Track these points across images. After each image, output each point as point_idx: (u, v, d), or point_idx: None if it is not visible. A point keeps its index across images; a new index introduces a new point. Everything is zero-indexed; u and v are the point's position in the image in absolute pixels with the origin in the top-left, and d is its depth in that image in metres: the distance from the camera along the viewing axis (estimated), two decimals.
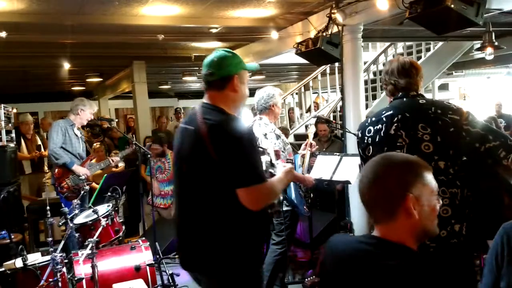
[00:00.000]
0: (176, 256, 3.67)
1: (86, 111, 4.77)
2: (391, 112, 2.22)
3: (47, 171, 6.82)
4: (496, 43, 6.28)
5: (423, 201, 1.33)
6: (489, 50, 6.33)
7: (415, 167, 1.35)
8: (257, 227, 2.02)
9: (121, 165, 5.97)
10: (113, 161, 4.95)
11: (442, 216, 2.05)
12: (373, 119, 2.30)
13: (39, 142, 6.93)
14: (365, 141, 2.29)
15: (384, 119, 2.23)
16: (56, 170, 4.58)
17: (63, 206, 3.87)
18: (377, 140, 2.24)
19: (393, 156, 1.44)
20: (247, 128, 2.02)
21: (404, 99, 2.25)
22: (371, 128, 2.28)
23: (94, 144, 6.06)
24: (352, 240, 1.50)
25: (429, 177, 1.36)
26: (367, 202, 1.38)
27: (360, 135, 2.35)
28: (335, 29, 4.81)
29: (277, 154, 3.09)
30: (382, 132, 2.22)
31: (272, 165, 2.72)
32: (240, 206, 1.90)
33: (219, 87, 2.04)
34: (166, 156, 5.87)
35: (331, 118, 7.39)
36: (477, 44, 7.25)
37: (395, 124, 2.18)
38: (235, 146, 1.90)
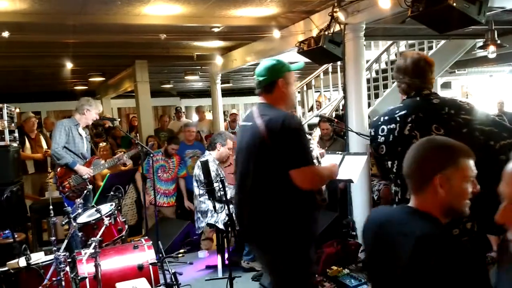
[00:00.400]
0: (179, 255, 3.68)
1: (92, 111, 4.79)
2: (405, 111, 2.25)
3: (50, 171, 6.84)
4: (499, 41, 6.27)
5: (452, 182, 1.51)
6: (492, 48, 6.32)
7: (451, 152, 1.53)
8: (306, 209, 2.34)
9: (129, 163, 5.97)
10: (119, 159, 4.94)
11: None
12: (386, 118, 2.31)
13: (43, 142, 6.93)
14: (378, 140, 2.32)
15: (397, 118, 2.25)
16: (59, 169, 4.59)
17: (65, 205, 3.89)
18: (390, 139, 2.26)
19: (436, 139, 1.65)
20: (297, 121, 2.38)
21: (418, 98, 2.28)
22: (384, 127, 2.30)
23: (100, 144, 6.08)
24: (390, 209, 1.83)
25: (465, 163, 1.53)
26: (405, 174, 1.61)
27: (373, 133, 2.38)
28: (337, 27, 4.81)
29: (321, 155, 3.22)
30: (396, 131, 2.24)
31: (318, 162, 2.99)
32: (292, 186, 2.24)
33: (268, 91, 2.46)
34: (171, 157, 5.89)
35: (333, 117, 7.38)
36: (480, 42, 7.23)
37: (409, 124, 2.21)
38: (287, 135, 2.26)
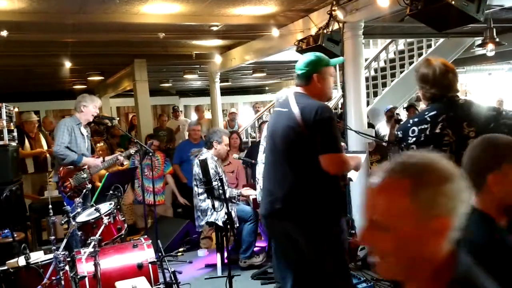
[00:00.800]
0: (179, 253, 3.68)
1: (89, 107, 4.73)
2: (435, 112, 2.35)
3: (50, 170, 6.83)
4: (497, 39, 6.26)
5: (507, 182, 1.49)
6: (490, 46, 6.32)
7: (505, 149, 1.52)
8: (331, 189, 2.55)
9: (126, 163, 5.98)
10: (118, 159, 4.93)
11: None
12: (416, 119, 2.43)
13: (43, 140, 6.92)
14: (408, 141, 2.41)
15: (428, 119, 2.35)
16: (61, 169, 4.56)
17: (65, 205, 3.88)
18: (422, 139, 2.36)
19: (489, 138, 1.62)
20: (329, 111, 2.56)
21: (444, 99, 2.38)
22: (415, 128, 2.40)
23: (98, 144, 6.09)
24: None
25: None
26: (463, 168, 1.57)
27: (400, 135, 2.49)
28: (336, 26, 4.81)
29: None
30: (427, 131, 2.34)
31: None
32: (320, 169, 2.46)
33: (305, 83, 2.66)
34: (154, 154, 5.89)
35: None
36: (478, 40, 7.23)
37: (441, 123, 2.31)
38: (320, 123, 2.47)
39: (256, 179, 3.78)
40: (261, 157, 3.68)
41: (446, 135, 2.29)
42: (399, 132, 2.50)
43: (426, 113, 2.38)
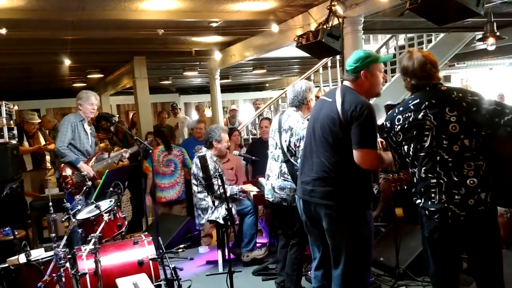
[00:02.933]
0: (179, 250, 3.68)
1: (84, 104, 4.70)
2: (418, 100, 2.46)
3: (50, 167, 6.82)
4: (498, 34, 6.24)
5: None
6: (491, 40, 6.29)
7: None
8: (359, 183, 2.68)
9: (125, 160, 5.97)
10: (122, 155, 4.92)
11: (470, 186, 2.33)
12: (401, 108, 2.52)
13: (42, 139, 6.91)
14: (395, 129, 2.52)
15: (412, 107, 2.46)
16: (62, 166, 4.58)
17: (65, 202, 3.88)
18: (406, 126, 2.47)
19: None
20: (370, 108, 2.61)
21: (427, 88, 2.48)
22: (400, 116, 2.50)
23: (100, 144, 6.08)
24: None
25: None
26: None
27: (389, 125, 2.57)
28: (335, 21, 4.79)
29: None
30: (411, 118, 2.45)
31: None
32: (352, 162, 2.59)
33: (353, 78, 2.75)
34: (180, 148, 5.91)
35: None
36: (479, 35, 7.20)
37: (423, 110, 2.42)
38: (358, 118, 2.57)
39: (266, 174, 3.75)
40: (274, 153, 3.66)
41: (428, 120, 2.39)
42: (387, 122, 2.58)
43: (410, 101, 2.49)
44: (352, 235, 2.70)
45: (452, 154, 2.35)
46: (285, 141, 3.50)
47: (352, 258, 2.72)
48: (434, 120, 2.38)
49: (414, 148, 2.44)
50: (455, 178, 2.34)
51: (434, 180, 2.38)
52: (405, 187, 3.06)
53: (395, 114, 2.53)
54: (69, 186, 4.51)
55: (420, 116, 2.41)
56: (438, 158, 2.36)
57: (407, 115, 2.46)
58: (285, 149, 3.49)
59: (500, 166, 2.37)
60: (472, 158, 2.34)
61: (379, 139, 3.44)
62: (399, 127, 2.49)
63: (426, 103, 2.41)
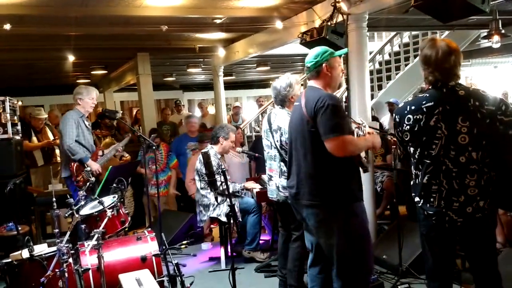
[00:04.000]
0: (182, 246, 3.68)
1: (85, 99, 4.70)
2: (432, 103, 2.36)
3: (59, 161, 6.82)
4: (503, 31, 6.21)
5: None
6: (496, 38, 6.26)
7: None
8: (342, 176, 2.69)
9: (127, 155, 5.99)
10: (117, 150, 4.93)
11: (470, 195, 2.32)
12: (413, 107, 2.42)
13: (50, 133, 6.90)
14: (403, 128, 2.45)
15: (424, 109, 2.37)
16: (72, 164, 4.56)
17: (73, 198, 3.88)
18: (416, 129, 2.39)
19: None
20: (332, 98, 2.68)
21: (444, 89, 2.37)
22: (411, 116, 2.41)
23: (106, 140, 6.10)
24: None
25: None
26: None
27: (397, 119, 2.51)
28: (340, 18, 4.77)
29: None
30: (422, 122, 2.37)
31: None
32: (330, 157, 2.59)
33: (316, 75, 2.83)
34: (158, 147, 5.91)
35: None
36: (484, 32, 7.16)
37: (436, 116, 2.34)
38: (320, 110, 2.61)
39: (267, 175, 3.74)
40: (270, 153, 3.64)
41: (439, 129, 2.33)
42: (396, 116, 2.52)
43: (424, 102, 2.38)
44: (341, 232, 2.69)
45: (457, 165, 2.32)
46: (277, 141, 3.49)
47: (345, 256, 2.72)
48: (445, 129, 2.32)
49: (420, 153, 2.41)
50: (456, 186, 2.33)
51: (436, 187, 2.37)
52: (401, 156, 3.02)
53: (406, 112, 2.44)
54: (81, 183, 4.49)
55: (432, 122, 2.34)
56: (443, 167, 2.34)
57: (418, 117, 2.38)
58: (279, 149, 3.49)
59: (509, 172, 2.33)
60: (477, 171, 2.31)
61: (391, 138, 3.44)
62: (408, 127, 2.42)
63: (440, 108, 2.33)
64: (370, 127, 3.06)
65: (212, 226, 5.90)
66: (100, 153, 4.82)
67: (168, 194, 6.23)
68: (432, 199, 2.38)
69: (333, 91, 2.89)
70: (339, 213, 2.69)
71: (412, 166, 2.50)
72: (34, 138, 6.56)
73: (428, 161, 2.38)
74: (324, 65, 2.80)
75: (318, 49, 2.86)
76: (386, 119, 7.17)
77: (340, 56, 2.90)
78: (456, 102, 2.32)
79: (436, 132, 2.33)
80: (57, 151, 6.82)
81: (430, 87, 2.43)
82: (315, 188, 2.72)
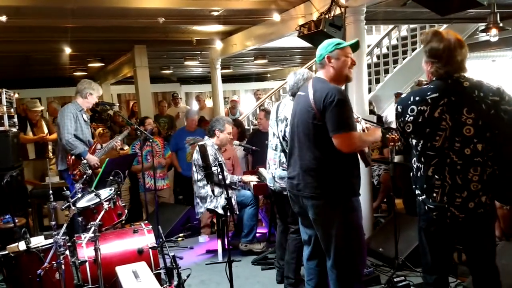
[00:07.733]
0: (179, 239, 3.69)
1: (94, 95, 4.76)
2: (437, 94, 2.33)
3: (52, 156, 6.82)
4: (501, 25, 6.19)
5: None
6: (494, 31, 6.24)
7: None
8: (349, 167, 2.72)
9: (126, 148, 5.98)
10: (115, 142, 4.93)
11: (472, 190, 2.31)
12: (417, 98, 2.37)
13: (45, 127, 6.89)
14: (406, 119, 2.41)
15: (429, 100, 2.33)
16: (69, 157, 4.57)
17: (70, 190, 3.88)
18: (419, 120, 2.35)
19: None
20: (340, 93, 2.66)
21: (449, 80, 2.34)
22: (414, 107, 2.37)
23: (98, 129, 6.07)
24: None
25: None
26: None
27: (400, 110, 2.46)
28: (337, 11, 4.75)
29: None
30: (426, 114, 2.33)
31: None
32: (334, 151, 2.62)
33: (321, 67, 2.84)
34: (154, 141, 5.88)
35: None
36: (482, 26, 7.15)
37: (440, 107, 2.31)
38: (329, 105, 2.60)
39: (267, 163, 3.76)
40: (272, 142, 3.66)
41: (443, 120, 2.30)
42: (399, 106, 2.47)
43: (429, 93, 2.34)
44: (340, 224, 2.72)
45: (462, 157, 2.29)
46: (281, 131, 3.49)
47: (342, 248, 2.74)
48: (450, 120, 2.29)
49: (423, 145, 2.37)
50: (460, 182, 2.31)
51: (439, 182, 2.34)
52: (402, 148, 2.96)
53: (409, 102, 2.39)
54: (77, 177, 4.50)
55: (436, 113, 2.31)
56: (448, 160, 2.31)
57: (422, 108, 2.34)
58: (281, 139, 3.49)
59: (508, 164, 2.32)
60: (481, 164, 2.30)
61: (389, 135, 3.44)
62: (411, 118, 2.37)
63: (445, 99, 2.30)
64: (366, 121, 3.07)
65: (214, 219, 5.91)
66: (98, 146, 4.82)
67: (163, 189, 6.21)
68: (434, 194, 2.36)
69: (339, 84, 2.84)
70: (339, 206, 2.71)
71: (414, 158, 2.47)
72: (30, 132, 6.54)
73: (432, 153, 2.34)
74: (327, 56, 2.79)
75: (325, 42, 2.85)
76: (389, 113, 7.13)
77: (351, 46, 2.83)
78: (461, 93, 2.30)
79: (441, 123, 2.30)
80: (50, 147, 6.82)
81: (433, 79, 2.39)
82: (317, 180, 2.73)
